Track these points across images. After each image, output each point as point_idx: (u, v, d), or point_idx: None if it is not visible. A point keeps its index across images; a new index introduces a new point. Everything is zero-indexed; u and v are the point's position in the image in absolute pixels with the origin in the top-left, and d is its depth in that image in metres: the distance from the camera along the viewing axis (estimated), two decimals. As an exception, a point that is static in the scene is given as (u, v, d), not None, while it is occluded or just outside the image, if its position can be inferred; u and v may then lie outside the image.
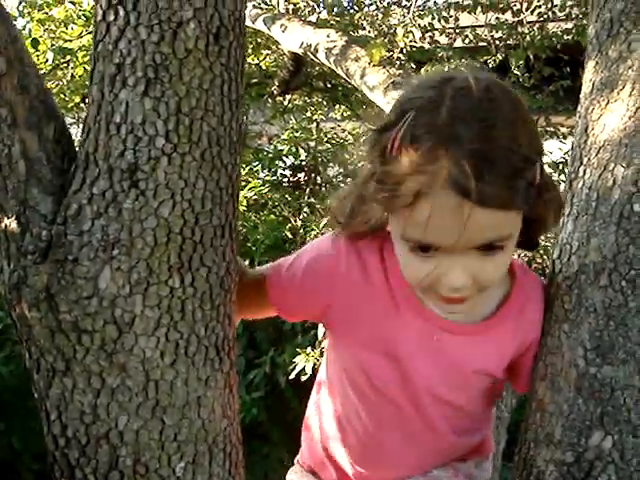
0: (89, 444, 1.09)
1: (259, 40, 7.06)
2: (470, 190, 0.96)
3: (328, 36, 4.15)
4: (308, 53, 4.33)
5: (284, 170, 6.65)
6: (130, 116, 1.07)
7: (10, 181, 1.09)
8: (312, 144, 6.45)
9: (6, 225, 1.09)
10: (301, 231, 4.42)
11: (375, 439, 1.34)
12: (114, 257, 1.06)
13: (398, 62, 3.80)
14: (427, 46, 5.38)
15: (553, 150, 6.16)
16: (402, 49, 3.99)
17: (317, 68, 6.49)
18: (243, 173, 4.91)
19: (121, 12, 1.08)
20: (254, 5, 5.12)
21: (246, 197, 4.22)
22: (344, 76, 4.02)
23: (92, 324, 1.06)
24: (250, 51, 7.09)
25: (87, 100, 1.13)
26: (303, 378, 3.15)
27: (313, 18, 5.30)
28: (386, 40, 4.00)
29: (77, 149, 1.13)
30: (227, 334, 1.17)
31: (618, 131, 1.21)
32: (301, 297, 1.28)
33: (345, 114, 7.68)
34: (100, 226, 1.06)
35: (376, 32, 4.76)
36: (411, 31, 4.03)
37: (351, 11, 6.02)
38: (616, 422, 1.13)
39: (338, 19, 5.64)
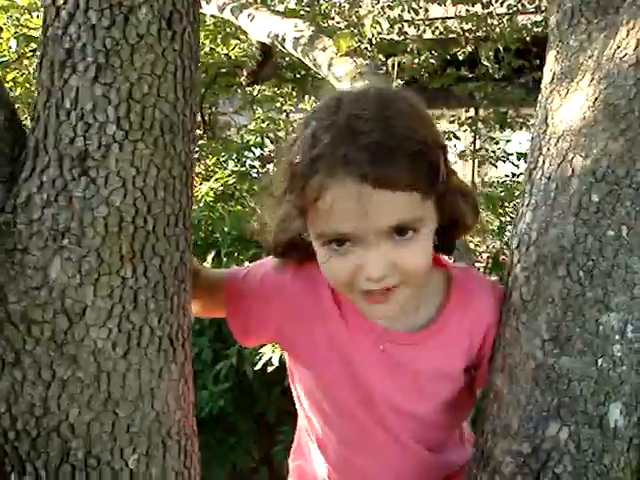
0: (39, 437, 1.06)
1: (228, 30, 7.04)
2: (366, 174, 1.00)
3: (295, 26, 4.14)
4: (275, 43, 4.31)
5: (253, 161, 6.62)
6: (80, 102, 1.04)
7: (-43, 168, 1.06)
8: (281, 134, 6.43)
9: (-47, 213, 1.06)
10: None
11: (348, 460, 1.34)
12: (64, 246, 1.04)
13: (366, 52, 3.78)
14: (396, 38, 5.39)
15: (522, 141, 6.21)
16: (370, 40, 3.98)
17: (287, 59, 6.48)
18: (210, 163, 4.86)
19: (71, -5, 1.05)
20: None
21: (212, 188, 4.17)
22: (312, 66, 4.00)
23: (42, 315, 1.04)
24: (219, 41, 7.06)
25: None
26: (270, 369, 3.14)
27: (281, 8, 5.26)
28: (355, 31, 3.99)
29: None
30: (181, 325, 1.15)
31: (577, 121, 1.20)
32: (255, 309, 1.29)
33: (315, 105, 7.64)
34: (50, 215, 1.04)
35: (345, 23, 4.74)
36: (379, 22, 4.02)
37: (320, 1, 6.00)
38: (573, 413, 1.13)
39: (308, 9, 5.62)
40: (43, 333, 1.04)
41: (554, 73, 1.31)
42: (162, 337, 1.11)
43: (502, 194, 5.39)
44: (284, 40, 4.18)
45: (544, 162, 1.24)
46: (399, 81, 3.65)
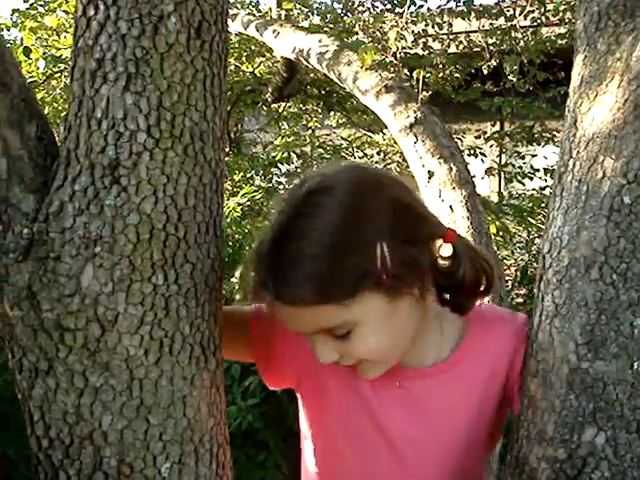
0: (72, 445, 1.07)
1: (253, 47, 7.09)
2: (274, 292, 1.07)
3: (320, 41, 4.15)
4: (300, 58, 4.33)
5: (279, 177, 6.65)
6: (111, 111, 1.05)
7: (-10, 179, 1.07)
8: (307, 150, 6.44)
9: (-13, 223, 1.08)
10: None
11: None
12: (96, 254, 1.05)
13: (391, 66, 3.78)
14: (421, 52, 5.40)
15: (549, 155, 6.18)
16: (394, 53, 3.98)
17: (312, 75, 6.50)
18: (236, 179, 4.89)
19: (101, 6, 1.06)
20: (247, 12, 5.12)
21: (240, 204, 4.19)
22: (337, 80, 4.01)
23: (75, 322, 1.05)
24: (244, 59, 7.12)
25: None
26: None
27: (306, 24, 5.29)
28: (379, 46, 3.99)
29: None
30: (212, 332, 1.15)
31: (607, 123, 1.19)
32: (284, 340, 1.28)
33: (340, 121, 7.68)
34: (82, 223, 1.05)
35: (369, 38, 4.75)
36: (403, 35, 4.02)
37: (344, 18, 6.03)
38: (609, 418, 1.11)
39: (331, 25, 5.65)
40: (76, 341, 1.05)
41: (582, 77, 1.30)
42: (194, 344, 1.12)
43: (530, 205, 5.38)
44: (309, 55, 4.19)
45: (574, 165, 1.23)
46: (424, 93, 3.64)
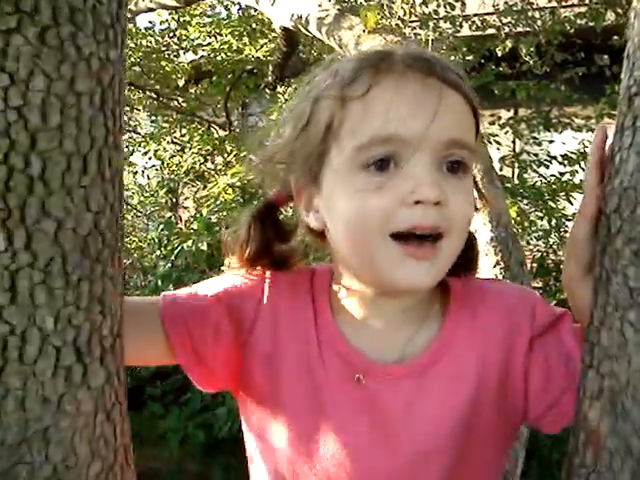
0: None
1: (254, 26, 6.71)
2: (433, 65, 0.88)
3: (320, 5, 3.77)
4: (299, 26, 3.94)
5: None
6: None
7: None
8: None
9: None
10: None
11: None
12: None
13: (397, 29, 3.38)
14: (432, 35, 5.00)
15: (567, 141, 5.79)
16: (401, 18, 3.58)
17: (314, 53, 6.12)
18: (229, 159, 4.52)
19: None
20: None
21: (230, 185, 3.80)
22: (337, 48, 3.61)
23: None
24: (245, 40, 6.75)
25: None
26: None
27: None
28: (384, 6, 3.59)
29: None
30: (98, 327, 0.74)
31: None
32: (210, 323, 0.97)
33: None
34: None
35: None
36: (410, -5, 3.62)
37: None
38: None
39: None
40: None
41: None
42: (62, 347, 0.71)
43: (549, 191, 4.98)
44: (307, 22, 3.83)
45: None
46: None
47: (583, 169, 5.08)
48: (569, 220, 4.74)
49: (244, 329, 0.97)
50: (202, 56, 6.87)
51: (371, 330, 0.96)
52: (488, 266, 2.36)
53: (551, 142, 6.15)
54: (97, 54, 0.71)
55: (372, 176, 0.86)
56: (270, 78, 6.32)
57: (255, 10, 5.95)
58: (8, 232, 0.67)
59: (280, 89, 6.67)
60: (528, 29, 5.28)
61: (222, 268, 1.05)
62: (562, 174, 5.79)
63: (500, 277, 2.37)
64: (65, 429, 0.71)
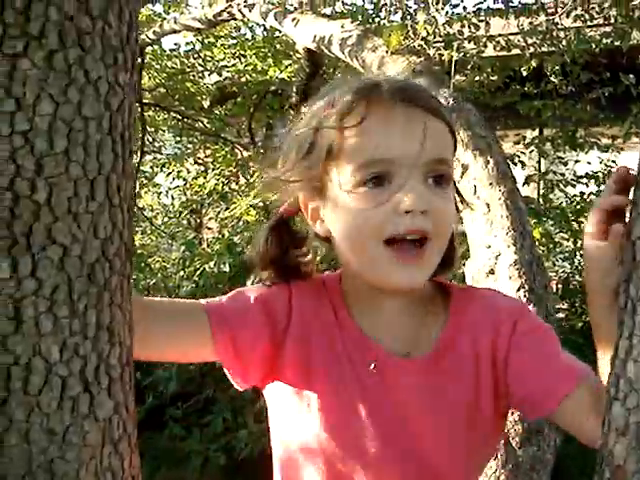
0: None
1: (278, 47, 6.73)
2: (413, 99, 1.02)
3: (342, 26, 3.76)
4: (322, 47, 3.93)
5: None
6: None
7: None
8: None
9: None
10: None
11: None
12: None
13: (420, 50, 3.36)
14: (455, 56, 4.98)
15: (592, 161, 5.75)
16: (424, 38, 3.55)
17: (338, 73, 6.12)
18: (252, 180, 4.52)
19: None
20: (266, 1, 4.75)
21: (252, 206, 3.79)
22: (360, 69, 3.60)
23: None
24: (270, 61, 6.77)
25: None
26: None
27: (328, 11, 4.90)
28: (408, 26, 3.56)
29: None
30: (105, 356, 0.72)
31: None
32: (252, 323, 1.07)
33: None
34: None
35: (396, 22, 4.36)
36: (434, 17, 3.59)
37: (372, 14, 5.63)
38: None
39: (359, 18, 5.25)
40: None
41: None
42: (67, 377, 0.69)
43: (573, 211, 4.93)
44: (330, 43, 3.81)
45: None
46: (457, 77, 3.21)
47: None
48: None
49: (278, 330, 1.07)
50: (226, 77, 6.90)
51: (382, 323, 1.09)
52: (512, 290, 2.31)
53: (577, 162, 6.11)
54: (106, 78, 0.70)
55: (369, 191, 1.00)
56: (294, 99, 6.32)
57: (279, 31, 5.97)
58: (13, 259, 0.65)
59: (304, 110, 6.68)
60: (553, 49, 5.24)
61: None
62: (584, 194, 5.74)
63: (524, 300, 2.32)
64: (71, 462, 0.69)
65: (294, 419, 1.10)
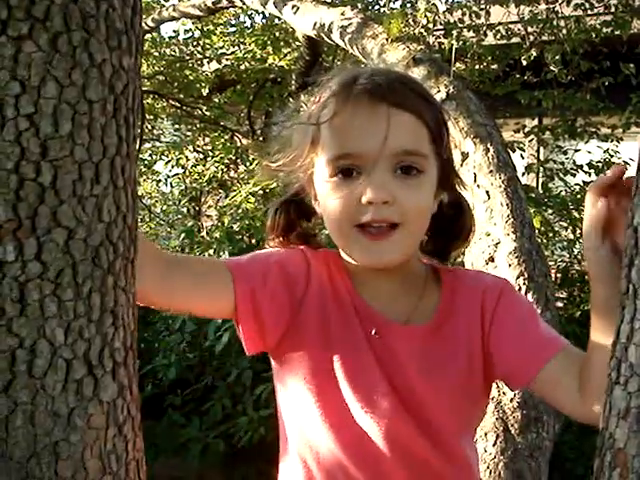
0: None
1: (277, 35, 6.71)
2: (383, 95, 1.08)
3: (342, 14, 3.75)
4: (322, 34, 3.92)
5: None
6: None
7: None
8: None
9: None
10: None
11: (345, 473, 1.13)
12: None
13: (420, 37, 3.35)
14: (455, 44, 4.97)
15: (593, 150, 5.73)
16: (424, 26, 3.54)
17: (337, 61, 6.10)
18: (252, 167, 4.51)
19: None
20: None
21: (252, 193, 3.78)
22: (360, 57, 3.59)
23: None
24: (270, 49, 6.75)
25: None
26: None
27: (328, -1, 4.87)
28: (408, 14, 3.55)
29: None
30: (109, 339, 0.73)
31: None
32: (271, 282, 1.12)
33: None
34: None
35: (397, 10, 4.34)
36: (434, 4, 3.58)
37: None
38: None
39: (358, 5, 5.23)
40: None
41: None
42: (72, 360, 0.69)
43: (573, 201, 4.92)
44: (330, 31, 3.80)
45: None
46: (458, 65, 3.20)
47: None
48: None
49: (297, 293, 1.12)
50: (226, 65, 6.87)
51: (381, 296, 1.15)
52: (511, 277, 2.32)
53: (577, 151, 6.10)
54: (110, 61, 0.70)
55: (339, 181, 1.08)
56: (293, 87, 6.30)
57: (279, 19, 5.94)
58: (18, 242, 0.66)
59: (303, 98, 6.66)
60: (553, 38, 5.22)
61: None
62: (586, 183, 5.73)
63: (524, 288, 2.33)
64: (75, 444, 0.70)
65: (314, 388, 1.12)
